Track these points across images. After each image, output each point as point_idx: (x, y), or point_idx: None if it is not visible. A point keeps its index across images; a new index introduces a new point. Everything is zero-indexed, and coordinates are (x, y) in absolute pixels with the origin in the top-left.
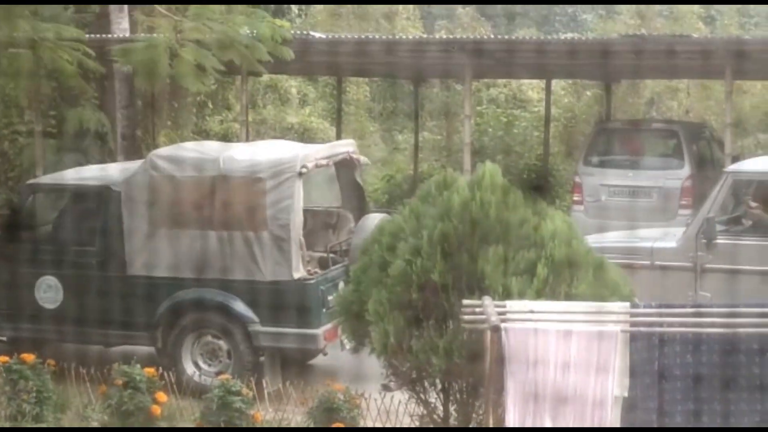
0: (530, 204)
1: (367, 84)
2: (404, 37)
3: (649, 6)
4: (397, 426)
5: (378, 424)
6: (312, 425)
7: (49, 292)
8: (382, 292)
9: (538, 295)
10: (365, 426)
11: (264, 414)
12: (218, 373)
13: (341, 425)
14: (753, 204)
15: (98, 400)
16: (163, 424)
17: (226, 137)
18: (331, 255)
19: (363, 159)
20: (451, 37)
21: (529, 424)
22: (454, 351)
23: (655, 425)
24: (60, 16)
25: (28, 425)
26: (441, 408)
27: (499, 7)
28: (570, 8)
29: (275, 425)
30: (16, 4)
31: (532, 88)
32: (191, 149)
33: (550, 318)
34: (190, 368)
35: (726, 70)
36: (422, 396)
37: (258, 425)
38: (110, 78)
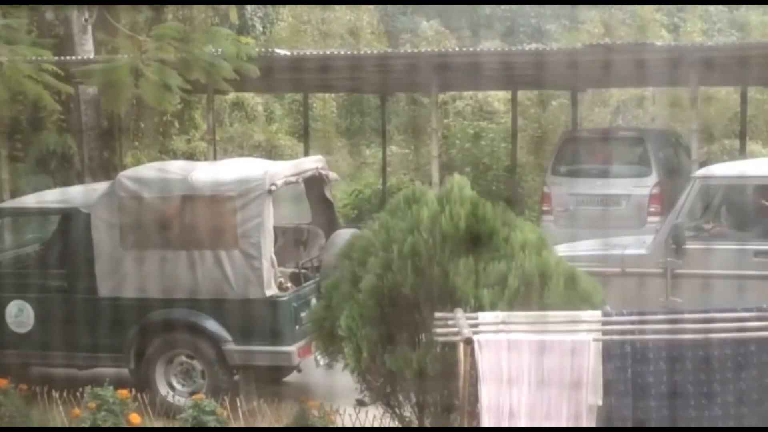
0: (500, 215)
1: (334, 99)
2: (369, 52)
3: (612, 15)
4: None
5: None
6: None
7: (19, 316)
8: (354, 308)
9: (510, 306)
10: None
11: None
12: (192, 393)
13: None
14: (707, 226)
15: (72, 424)
16: None
17: (193, 156)
18: (303, 272)
19: (332, 175)
20: (416, 50)
21: None
22: (427, 364)
23: None
24: (23, 39)
25: None
26: (416, 422)
27: (463, 19)
28: (534, 19)
29: None
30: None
31: (498, 99)
32: (159, 169)
33: (523, 329)
34: (163, 389)
35: (690, 76)
36: (397, 410)
37: None
38: (76, 100)
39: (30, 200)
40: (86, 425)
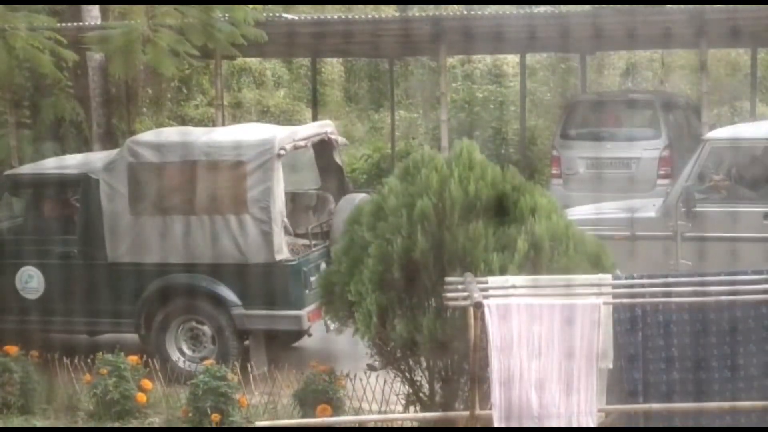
0: (509, 179)
1: (342, 64)
2: (377, 16)
3: None
4: (384, 406)
5: (364, 404)
6: (298, 407)
7: (30, 282)
8: (364, 272)
9: (520, 270)
10: (352, 406)
11: (250, 398)
12: (203, 359)
13: (327, 407)
14: (716, 177)
15: (83, 390)
16: (149, 411)
17: (201, 122)
18: (313, 236)
19: (341, 139)
20: (424, 14)
21: (514, 400)
22: (437, 329)
23: (640, 396)
24: (31, 5)
25: (15, 417)
26: (426, 386)
27: None
28: None
29: (261, 409)
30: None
31: (506, 62)
32: (168, 135)
33: (533, 293)
34: (174, 354)
35: (700, 38)
36: (407, 375)
37: (244, 410)
38: (84, 66)
39: (39, 167)
40: (98, 391)
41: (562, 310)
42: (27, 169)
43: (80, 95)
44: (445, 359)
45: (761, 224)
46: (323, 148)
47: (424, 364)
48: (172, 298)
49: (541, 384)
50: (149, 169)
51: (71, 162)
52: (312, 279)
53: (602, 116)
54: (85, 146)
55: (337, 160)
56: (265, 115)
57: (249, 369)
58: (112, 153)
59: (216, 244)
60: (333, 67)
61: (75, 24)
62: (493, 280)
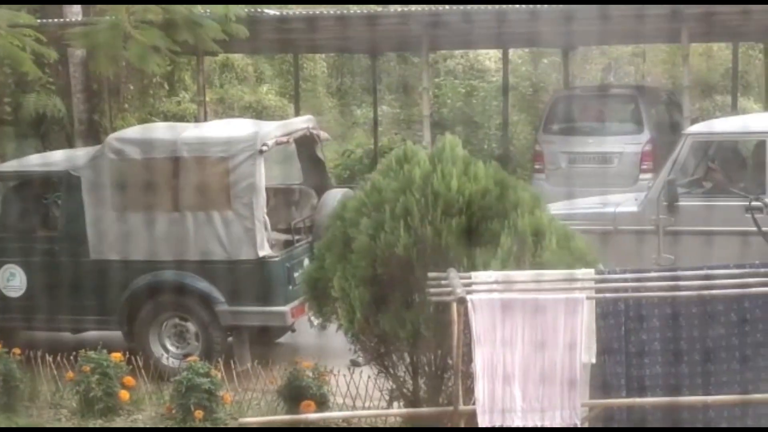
0: (491, 174)
1: (324, 60)
2: (358, 11)
3: None
4: (368, 401)
5: (347, 400)
6: (282, 404)
7: (12, 280)
8: (347, 268)
9: (503, 265)
10: (335, 402)
11: (233, 395)
12: (186, 355)
13: (311, 403)
14: (712, 166)
15: (66, 387)
16: (133, 409)
17: (183, 118)
18: (296, 232)
19: (323, 135)
20: (406, 9)
21: (498, 395)
22: (420, 325)
23: (623, 390)
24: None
25: None
26: (410, 382)
27: None
28: None
29: (245, 405)
30: None
31: (489, 57)
32: (149, 131)
33: (516, 288)
34: (157, 351)
35: (682, 33)
36: (391, 370)
37: (227, 406)
38: (64, 62)
39: (20, 164)
40: (80, 389)
41: (545, 305)
42: (8, 166)
43: (62, 91)
44: (429, 355)
45: (742, 218)
46: (305, 143)
47: (408, 360)
48: (155, 294)
49: (525, 379)
50: (131, 166)
51: (53, 159)
52: (295, 275)
53: (585, 111)
54: (66, 143)
55: (319, 155)
56: (246, 111)
57: (233, 365)
58: (93, 150)
59: (199, 240)
60: (315, 62)
61: (56, 20)
62: (477, 275)
